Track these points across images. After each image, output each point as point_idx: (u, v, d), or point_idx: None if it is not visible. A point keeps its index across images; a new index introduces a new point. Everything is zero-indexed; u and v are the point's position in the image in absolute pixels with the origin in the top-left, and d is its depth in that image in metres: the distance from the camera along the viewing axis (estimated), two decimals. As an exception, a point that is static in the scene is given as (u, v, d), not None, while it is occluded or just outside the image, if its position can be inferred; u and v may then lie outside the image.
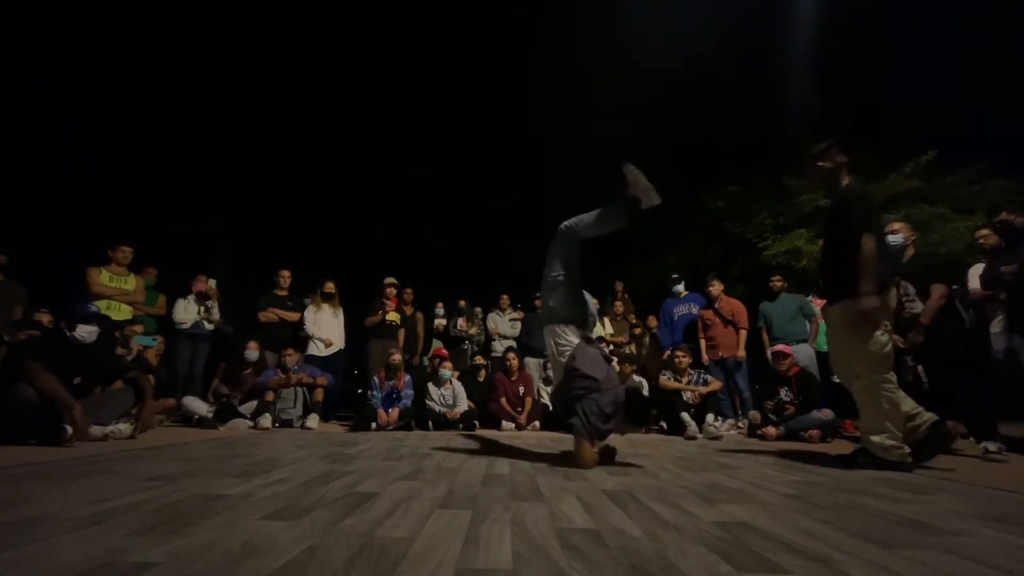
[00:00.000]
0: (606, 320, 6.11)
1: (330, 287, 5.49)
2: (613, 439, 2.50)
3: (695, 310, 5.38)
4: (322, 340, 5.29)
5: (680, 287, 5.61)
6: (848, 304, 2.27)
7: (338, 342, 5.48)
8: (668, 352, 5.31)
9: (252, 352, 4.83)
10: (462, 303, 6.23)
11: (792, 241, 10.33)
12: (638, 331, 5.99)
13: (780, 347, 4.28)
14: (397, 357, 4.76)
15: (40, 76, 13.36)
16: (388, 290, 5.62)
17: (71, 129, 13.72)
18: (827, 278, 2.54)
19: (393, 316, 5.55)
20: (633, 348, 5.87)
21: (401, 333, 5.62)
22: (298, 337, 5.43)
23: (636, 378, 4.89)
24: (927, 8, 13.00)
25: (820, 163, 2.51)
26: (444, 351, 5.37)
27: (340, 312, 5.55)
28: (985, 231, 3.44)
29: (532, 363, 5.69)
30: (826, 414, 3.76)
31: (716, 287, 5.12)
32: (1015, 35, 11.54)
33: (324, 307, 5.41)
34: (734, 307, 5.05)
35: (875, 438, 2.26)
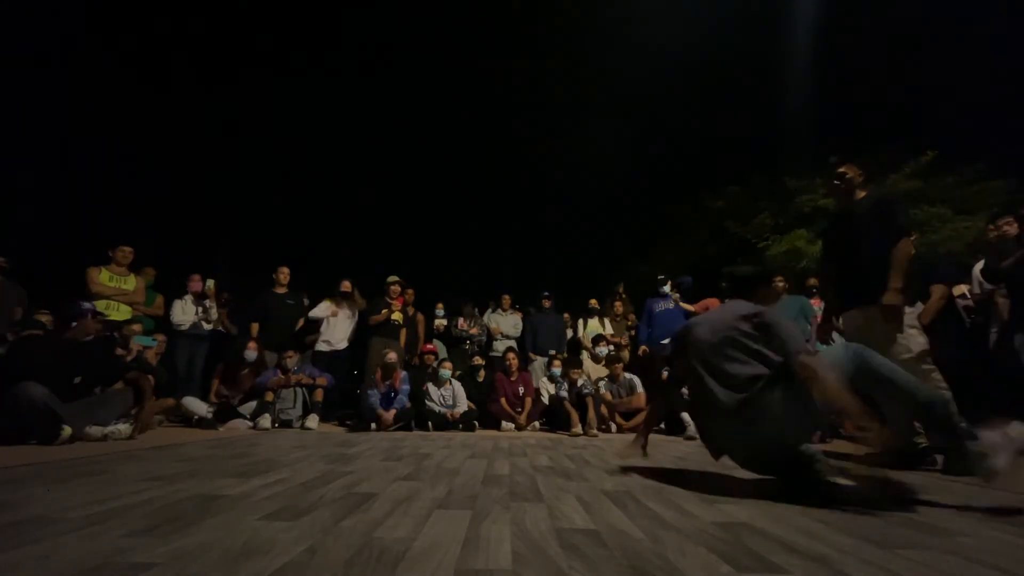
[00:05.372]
0: (606, 320, 6.11)
1: (346, 286, 5.48)
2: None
3: (672, 305, 5.52)
4: (326, 316, 5.35)
5: (666, 288, 5.69)
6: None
7: (346, 341, 5.48)
8: (643, 348, 5.40)
9: (251, 352, 4.82)
10: (464, 303, 6.22)
11: (792, 241, 10.33)
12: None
13: None
14: (393, 356, 4.74)
15: (41, 77, 13.36)
16: (392, 288, 5.56)
17: (71, 130, 13.72)
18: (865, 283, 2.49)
19: (397, 316, 5.53)
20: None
21: (403, 333, 5.61)
22: (301, 339, 5.43)
23: (627, 375, 4.93)
24: (928, 8, 13.00)
25: (841, 170, 2.60)
26: (430, 346, 5.42)
27: (356, 312, 5.54)
28: (1007, 220, 3.42)
29: (537, 360, 5.71)
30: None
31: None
32: (1015, 35, 11.54)
33: (341, 306, 5.42)
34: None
35: None
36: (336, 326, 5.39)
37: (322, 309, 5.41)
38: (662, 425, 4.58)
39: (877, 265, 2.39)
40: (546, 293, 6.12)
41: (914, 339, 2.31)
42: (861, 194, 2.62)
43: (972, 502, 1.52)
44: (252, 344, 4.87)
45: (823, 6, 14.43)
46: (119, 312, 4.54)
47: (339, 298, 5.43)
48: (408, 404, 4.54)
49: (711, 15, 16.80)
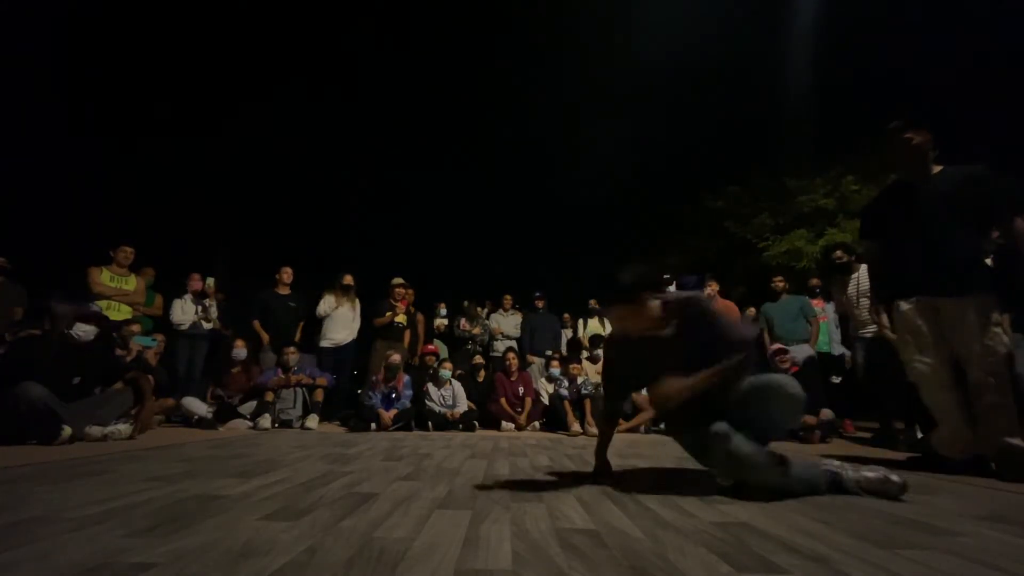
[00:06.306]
0: (606, 320, 6.11)
1: (348, 280, 5.45)
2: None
3: None
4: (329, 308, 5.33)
5: (671, 289, 5.68)
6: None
7: (351, 335, 5.46)
8: None
9: (240, 351, 4.82)
10: (466, 303, 6.21)
11: (792, 241, 10.31)
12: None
13: (779, 345, 4.31)
14: (396, 358, 4.74)
15: (42, 76, 13.36)
16: (397, 291, 5.52)
17: (71, 130, 13.72)
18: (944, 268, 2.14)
19: (401, 319, 5.51)
20: None
21: (407, 335, 5.60)
22: (310, 339, 5.41)
23: None
24: (927, 8, 13.01)
25: (907, 135, 2.21)
26: (431, 347, 5.40)
27: (357, 306, 5.52)
28: None
29: (535, 362, 5.70)
30: (825, 414, 3.76)
31: (712, 287, 5.19)
32: (1016, 34, 11.55)
33: (341, 300, 5.41)
34: (727, 308, 5.06)
35: None
36: (338, 321, 5.38)
37: (327, 305, 5.38)
38: (661, 425, 4.57)
39: (971, 251, 2.11)
40: (538, 293, 6.10)
41: (999, 339, 2.06)
42: (936, 168, 2.24)
43: (972, 502, 1.52)
44: (240, 342, 4.87)
45: (824, 6, 14.43)
46: (119, 312, 4.54)
47: (340, 292, 5.42)
48: (409, 405, 4.54)
49: (711, 15, 16.82)
